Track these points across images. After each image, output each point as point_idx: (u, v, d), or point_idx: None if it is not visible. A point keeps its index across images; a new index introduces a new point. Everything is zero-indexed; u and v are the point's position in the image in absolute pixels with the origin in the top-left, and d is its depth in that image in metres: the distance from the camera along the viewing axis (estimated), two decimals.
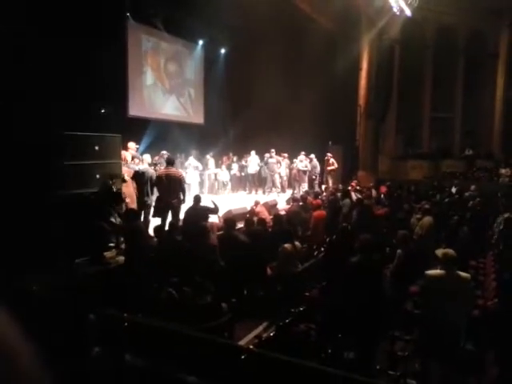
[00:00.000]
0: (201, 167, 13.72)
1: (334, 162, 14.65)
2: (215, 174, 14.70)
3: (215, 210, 7.53)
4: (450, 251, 4.29)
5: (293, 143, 15.13)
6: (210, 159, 14.74)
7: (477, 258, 6.80)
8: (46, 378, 0.62)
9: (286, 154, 15.03)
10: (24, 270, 4.74)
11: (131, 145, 8.93)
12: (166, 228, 7.45)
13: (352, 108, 18.01)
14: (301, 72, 15.83)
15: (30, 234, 5.55)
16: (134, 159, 8.42)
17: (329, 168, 14.50)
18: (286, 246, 5.91)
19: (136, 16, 13.21)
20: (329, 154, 14.66)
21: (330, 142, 16.67)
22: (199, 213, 7.15)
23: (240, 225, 7.69)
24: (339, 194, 10.85)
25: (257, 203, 8.97)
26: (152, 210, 7.94)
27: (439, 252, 4.41)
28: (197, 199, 7.49)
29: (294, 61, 15.84)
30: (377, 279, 4.52)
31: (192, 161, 13.41)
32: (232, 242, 6.01)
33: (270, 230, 7.15)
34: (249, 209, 8.82)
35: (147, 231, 6.94)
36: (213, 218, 7.90)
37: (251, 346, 3.48)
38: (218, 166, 14.85)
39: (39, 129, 6.45)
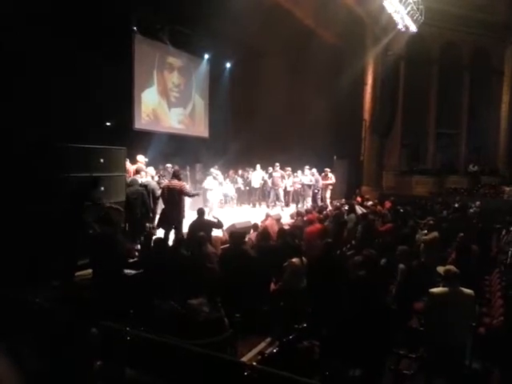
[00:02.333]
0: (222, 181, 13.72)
1: (332, 176, 14.58)
2: None
3: (219, 225, 7.55)
4: (452, 268, 4.27)
5: (298, 157, 15.15)
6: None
7: (483, 275, 6.75)
8: None
9: (289, 168, 15.05)
10: (25, 283, 4.74)
11: (140, 158, 8.98)
12: (171, 239, 7.52)
13: (357, 123, 18.08)
14: (306, 86, 15.94)
15: (33, 246, 5.56)
16: (141, 172, 8.46)
17: (325, 182, 14.48)
18: (294, 260, 5.83)
19: (143, 30, 13.41)
20: (327, 169, 14.63)
21: (335, 157, 16.69)
22: (203, 226, 7.15)
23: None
24: (345, 209, 10.84)
25: (267, 216, 8.99)
26: (156, 221, 8.02)
27: (441, 269, 4.39)
28: (201, 212, 7.50)
29: (299, 75, 15.96)
30: (381, 294, 4.49)
31: (217, 172, 13.33)
32: (242, 258, 5.92)
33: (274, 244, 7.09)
34: (253, 223, 8.79)
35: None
36: (216, 232, 7.91)
37: (254, 363, 3.45)
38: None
39: (44, 141, 6.50)
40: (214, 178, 12.78)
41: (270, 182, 14.61)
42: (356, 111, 17.93)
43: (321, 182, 14.30)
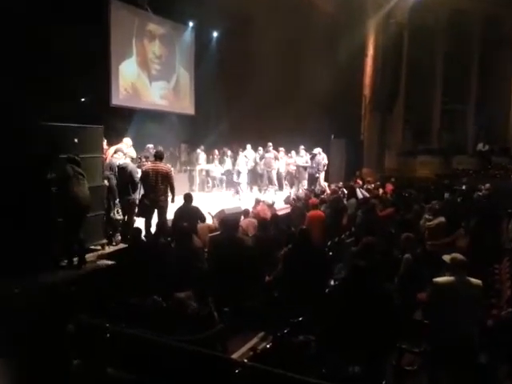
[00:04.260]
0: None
1: (325, 156, 14.40)
2: (207, 171, 14.64)
3: (203, 218, 7.54)
4: (459, 256, 4.30)
5: (291, 136, 15.08)
6: (201, 153, 14.67)
7: (492, 263, 6.82)
8: None
9: (282, 149, 14.95)
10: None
11: (127, 140, 8.85)
12: (152, 228, 7.48)
13: (357, 98, 18.01)
14: (300, 58, 15.81)
15: (8, 235, 5.51)
16: (118, 153, 8.34)
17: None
18: None
19: None
20: (319, 149, 14.49)
21: (332, 136, 16.66)
22: (189, 214, 7.13)
23: None
24: (344, 192, 10.86)
25: (258, 201, 8.99)
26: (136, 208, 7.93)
27: (447, 257, 4.42)
28: (188, 198, 7.47)
29: (293, 46, 15.81)
30: (383, 285, 4.53)
31: (250, 152, 13.72)
32: (235, 247, 5.91)
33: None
34: (243, 208, 8.79)
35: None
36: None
37: (245, 360, 3.48)
38: (209, 161, 14.79)
39: (12, 118, 6.39)
40: (246, 157, 13.29)
41: (262, 163, 14.46)
42: (355, 86, 17.82)
43: (323, 165, 14.10)
